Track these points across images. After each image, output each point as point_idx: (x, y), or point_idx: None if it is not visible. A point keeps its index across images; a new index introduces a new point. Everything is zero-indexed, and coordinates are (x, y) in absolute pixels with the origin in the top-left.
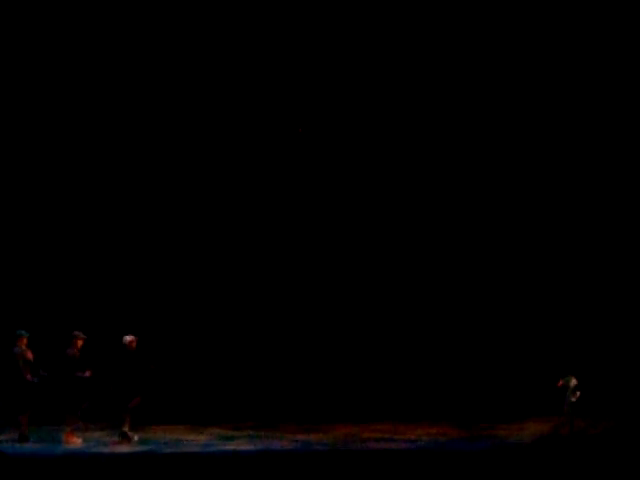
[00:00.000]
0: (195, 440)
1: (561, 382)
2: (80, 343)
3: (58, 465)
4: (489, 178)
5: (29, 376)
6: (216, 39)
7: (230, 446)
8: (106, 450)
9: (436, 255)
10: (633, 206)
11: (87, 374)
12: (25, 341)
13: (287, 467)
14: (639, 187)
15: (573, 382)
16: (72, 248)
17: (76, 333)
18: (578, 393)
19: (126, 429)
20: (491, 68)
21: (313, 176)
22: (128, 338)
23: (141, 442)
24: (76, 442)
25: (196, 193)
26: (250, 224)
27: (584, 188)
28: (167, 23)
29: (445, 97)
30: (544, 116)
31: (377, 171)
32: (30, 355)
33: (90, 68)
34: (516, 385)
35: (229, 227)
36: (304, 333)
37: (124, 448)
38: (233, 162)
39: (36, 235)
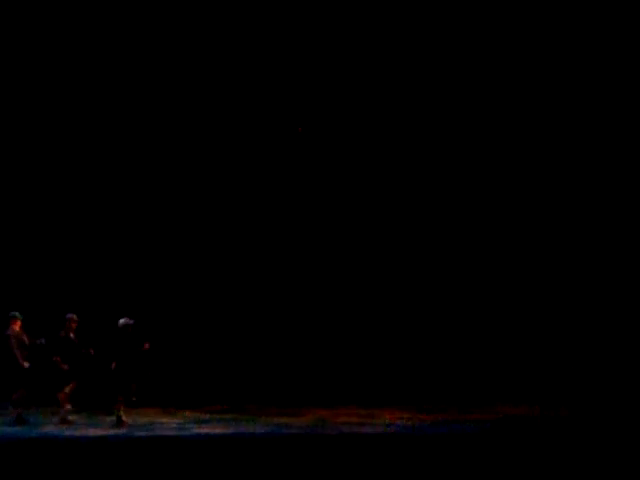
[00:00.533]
0: (168, 423)
1: None
2: (74, 326)
3: (30, 448)
4: (488, 174)
5: (23, 361)
6: (216, 39)
7: (204, 429)
8: (79, 433)
9: (413, 244)
10: (633, 203)
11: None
12: (19, 323)
13: (260, 451)
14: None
15: None
16: (68, 232)
17: (69, 316)
18: None
19: (121, 413)
20: (491, 68)
21: (313, 176)
22: (122, 321)
23: (114, 425)
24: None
25: (192, 188)
26: (244, 216)
27: (584, 186)
28: (167, 23)
29: (445, 97)
30: (544, 116)
31: (377, 170)
32: (25, 338)
33: (90, 68)
34: (487, 370)
35: (222, 217)
36: (278, 317)
37: (97, 432)
38: (233, 162)
39: (31, 218)
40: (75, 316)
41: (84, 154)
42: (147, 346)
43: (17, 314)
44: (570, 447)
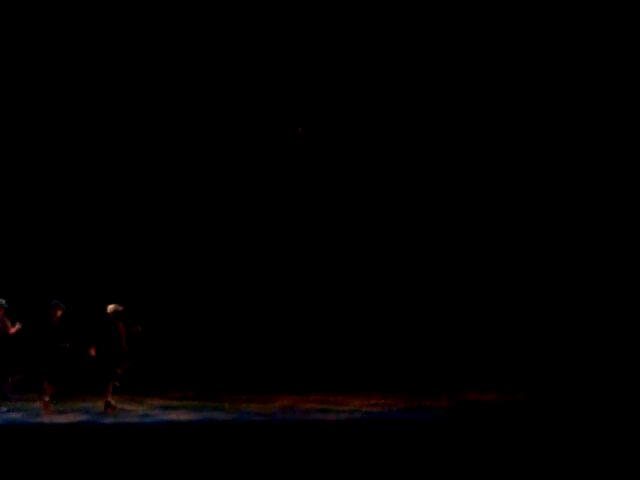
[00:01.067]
0: (134, 410)
1: None
2: (59, 313)
3: None
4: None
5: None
6: (216, 39)
7: (170, 416)
8: (45, 420)
9: (396, 234)
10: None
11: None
12: (2, 311)
13: (226, 437)
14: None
15: None
16: (58, 218)
17: (55, 302)
18: None
19: (110, 399)
20: (491, 68)
21: (313, 176)
22: (112, 307)
23: (81, 411)
24: (51, 413)
25: (186, 181)
26: (235, 209)
27: (583, 184)
28: (167, 23)
29: (445, 97)
30: (544, 116)
31: (377, 170)
32: (8, 324)
33: (90, 68)
34: (454, 357)
35: (212, 208)
36: (244, 303)
37: (62, 418)
38: (233, 162)
39: (20, 204)
40: (61, 303)
41: (82, 149)
42: (139, 328)
43: (2, 301)
44: (532, 432)
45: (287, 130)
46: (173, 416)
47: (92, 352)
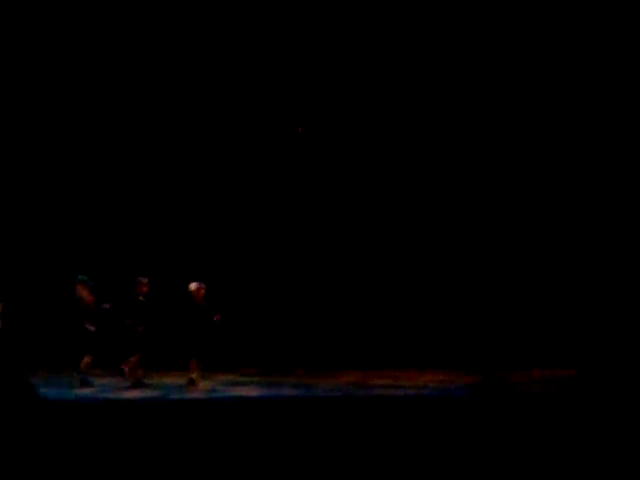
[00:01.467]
0: (201, 386)
1: None
2: (145, 289)
3: (64, 410)
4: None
5: (89, 325)
6: (216, 39)
7: (236, 392)
8: (113, 396)
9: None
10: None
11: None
12: (87, 288)
13: (294, 413)
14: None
15: None
16: (138, 196)
17: (140, 279)
18: None
19: (194, 375)
20: (491, 68)
21: (313, 176)
22: (193, 285)
23: (152, 388)
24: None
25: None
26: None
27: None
28: (167, 23)
29: (445, 97)
30: (544, 116)
31: (377, 170)
32: (92, 302)
33: (90, 68)
34: (521, 334)
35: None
36: (309, 280)
37: (132, 394)
38: (232, 162)
39: (104, 183)
40: (146, 279)
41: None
42: (219, 317)
43: (85, 278)
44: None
45: (287, 130)
46: (240, 392)
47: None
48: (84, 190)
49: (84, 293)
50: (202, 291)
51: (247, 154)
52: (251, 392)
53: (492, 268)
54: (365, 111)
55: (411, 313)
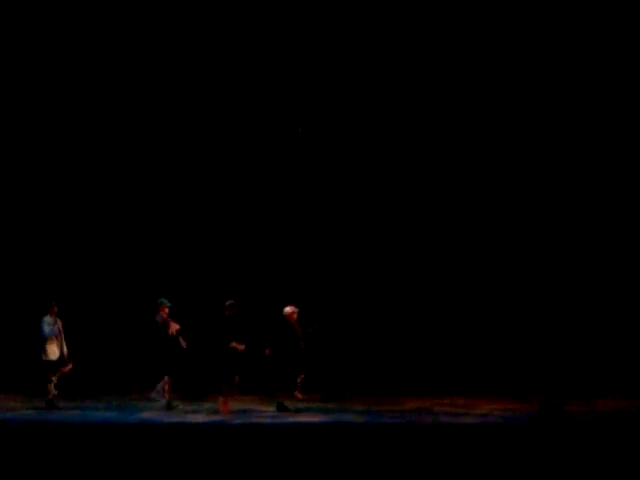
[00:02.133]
0: (265, 411)
1: None
2: (234, 311)
3: (125, 433)
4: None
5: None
6: (216, 39)
7: (300, 418)
8: (177, 419)
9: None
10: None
11: (241, 347)
12: (167, 310)
13: (357, 439)
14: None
15: None
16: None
17: (229, 303)
18: None
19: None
20: (491, 68)
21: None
22: (289, 309)
23: (213, 411)
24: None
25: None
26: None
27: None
28: (167, 23)
29: (445, 97)
30: (544, 116)
31: (377, 170)
32: (174, 325)
33: (90, 68)
34: (585, 363)
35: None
36: (372, 305)
37: (197, 418)
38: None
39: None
40: (234, 302)
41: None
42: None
43: (165, 300)
44: None
45: (287, 130)
46: (303, 418)
47: (267, 352)
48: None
49: (164, 315)
50: (295, 315)
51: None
52: (315, 418)
53: (557, 296)
54: (365, 111)
55: (476, 339)
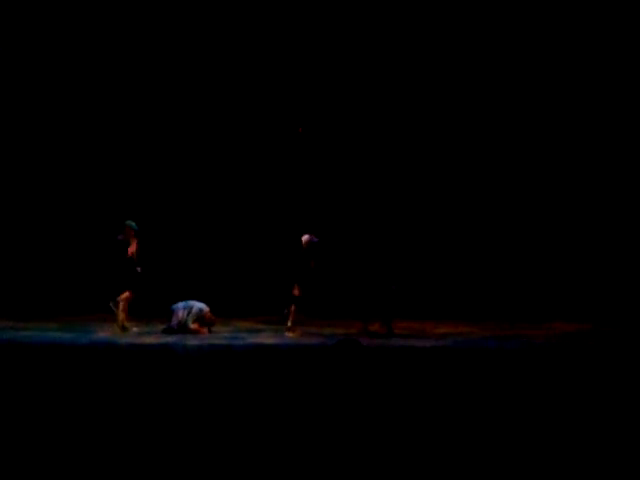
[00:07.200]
0: (219, 332)
1: None
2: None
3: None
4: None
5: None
6: (216, 39)
7: (255, 339)
8: (139, 341)
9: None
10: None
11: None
12: (132, 233)
13: (311, 360)
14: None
15: None
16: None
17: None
18: None
19: (289, 323)
20: (491, 68)
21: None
22: (306, 237)
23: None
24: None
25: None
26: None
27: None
28: (167, 23)
29: (445, 97)
30: (544, 116)
31: (377, 170)
32: (134, 246)
33: (90, 67)
34: (541, 287)
35: None
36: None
37: (153, 339)
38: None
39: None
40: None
41: None
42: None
43: (133, 223)
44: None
45: (287, 130)
46: (259, 339)
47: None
48: None
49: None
50: (306, 244)
51: None
52: (269, 340)
53: (512, 219)
54: (365, 111)
55: (432, 265)
